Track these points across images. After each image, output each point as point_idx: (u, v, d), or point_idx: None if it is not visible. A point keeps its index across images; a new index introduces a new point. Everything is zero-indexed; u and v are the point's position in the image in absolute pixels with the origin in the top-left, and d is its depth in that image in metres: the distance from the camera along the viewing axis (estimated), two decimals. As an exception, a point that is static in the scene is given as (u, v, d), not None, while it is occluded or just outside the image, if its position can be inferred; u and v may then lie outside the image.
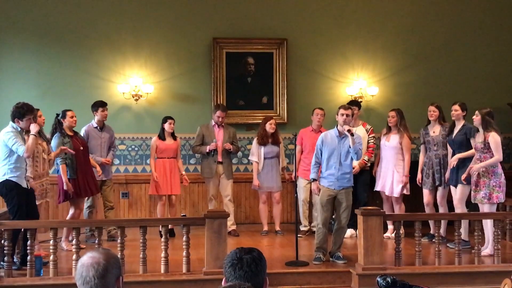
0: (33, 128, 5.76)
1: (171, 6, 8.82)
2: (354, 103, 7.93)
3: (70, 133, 6.93)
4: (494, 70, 9.25)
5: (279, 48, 8.91)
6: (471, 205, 6.94)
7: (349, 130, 6.03)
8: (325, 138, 6.25)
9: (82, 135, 7.30)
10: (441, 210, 7.15)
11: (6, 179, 5.75)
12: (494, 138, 6.27)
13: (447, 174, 6.99)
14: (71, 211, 6.89)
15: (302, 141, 7.75)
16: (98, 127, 7.48)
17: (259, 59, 8.93)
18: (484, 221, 6.33)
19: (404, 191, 7.46)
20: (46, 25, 8.60)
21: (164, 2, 8.82)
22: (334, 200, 6.19)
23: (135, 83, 8.57)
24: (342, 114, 6.18)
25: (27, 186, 5.88)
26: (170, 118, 7.69)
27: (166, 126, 7.64)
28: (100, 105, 7.48)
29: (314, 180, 6.31)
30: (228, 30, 8.87)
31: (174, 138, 7.75)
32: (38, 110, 6.56)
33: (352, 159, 6.22)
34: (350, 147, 6.06)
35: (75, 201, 6.86)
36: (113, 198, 7.72)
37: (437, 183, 7.15)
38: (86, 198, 7.34)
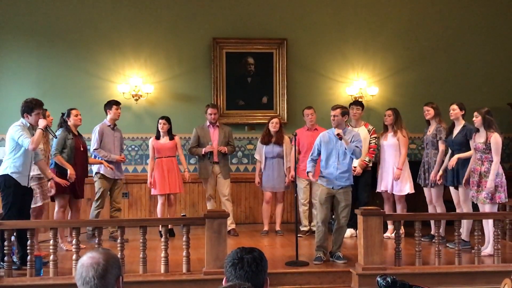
0: (41, 123, 5.78)
1: (171, 6, 8.82)
2: (358, 103, 7.93)
3: (75, 133, 6.94)
4: (494, 70, 9.25)
5: (279, 48, 8.91)
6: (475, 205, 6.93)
7: (338, 134, 6.06)
8: (323, 138, 6.29)
9: (95, 133, 7.33)
10: (438, 210, 7.15)
11: (7, 174, 5.74)
12: (496, 140, 6.27)
13: (432, 174, 7.07)
14: (56, 210, 6.85)
15: (299, 141, 7.73)
16: (111, 126, 7.49)
17: (259, 59, 8.93)
18: (485, 221, 6.33)
19: (408, 189, 7.46)
20: (46, 25, 8.61)
21: (164, 2, 8.83)
22: (333, 199, 6.21)
23: (135, 83, 8.57)
24: (332, 115, 6.23)
25: (28, 184, 5.87)
26: (162, 118, 7.68)
27: (159, 126, 7.65)
28: (114, 103, 7.51)
29: (310, 172, 6.29)
30: (228, 30, 8.87)
31: (171, 137, 7.74)
32: (46, 110, 6.58)
33: (350, 159, 6.23)
34: (345, 148, 6.10)
35: (61, 198, 6.77)
36: (121, 200, 7.71)
37: (426, 181, 7.19)
38: (96, 197, 7.32)
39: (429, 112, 7.26)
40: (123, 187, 7.84)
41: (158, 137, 7.67)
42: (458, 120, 6.90)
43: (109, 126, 7.48)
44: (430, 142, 7.23)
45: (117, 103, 7.54)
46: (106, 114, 7.51)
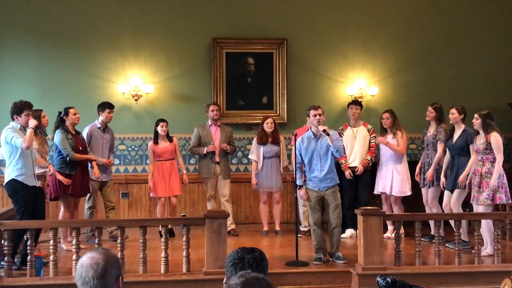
0: (31, 122, 5.77)
1: (171, 6, 8.82)
2: (357, 102, 7.93)
3: (72, 132, 6.92)
4: (494, 70, 9.24)
5: (279, 48, 8.91)
6: (470, 206, 6.93)
7: (324, 130, 6.05)
8: (302, 142, 6.26)
9: (84, 135, 7.29)
10: (433, 211, 7.15)
11: (13, 179, 5.74)
12: (496, 138, 6.25)
13: (429, 173, 7.09)
14: (61, 211, 6.86)
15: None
16: (102, 128, 7.46)
17: (259, 59, 8.92)
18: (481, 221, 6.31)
19: (408, 191, 7.46)
20: (46, 25, 8.61)
21: (164, 3, 8.82)
22: (323, 200, 6.21)
23: (135, 83, 8.56)
24: (315, 115, 6.19)
25: (36, 184, 5.87)
26: (162, 120, 7.65)
27: (159, 129, 7.61)
28: (107, 106, 7.45)
29: (301, 186, 6.28)
30: (228, 30, 8.87)
31: (170, 139, 7.73)
32: (41, 110, 6.57)
33: (332, 158, 6.22)
34: (330, 146, 6.07)
35: (66, 199, 6.78)
36: (114, 199, 7.71)
37: (425, 182, 7.19)
38: (87, 198, 7.33)
39: (431, 114, 7.24)
40: (113, 186, 7.78)
41: (156, 141, 7.64)
42: (457, 124, 6.88)
43: (99, 128, 7.44)
44: (430, 143, 7.22)
45: (110, 106, 7.47)
46: (99, 115, 7.49)
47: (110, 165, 7.53)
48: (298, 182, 6.29)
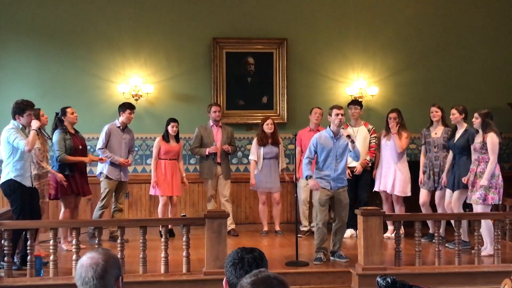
0: (34, 123, 5.76)
1: (171, 6, 8.82)
2: (356, 102, 7.93)
3: (71, 131, 6.93)
4: (494, 70, 9.24)
5: (279, 48, 8.91)
6: (470, 207, 6.92)
7: (348, 136, 6.06)
8: (319, 139, 6.24)
9: (103, 133, 7.30)
10: (439, 211, 7.14)
11: (11, 179, 5.73)
12: (492, 139, 6.27)
13: (444, 176, 7.00)
14: (62, 210, 6.86)
15: (301, 142, 7.74)
16: (121, 128, 7.45)
17: (259, 59, 8.92)
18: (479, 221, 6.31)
19: (408, 191, 7.43)
20: (46, 25, 8.60)
21: (164, 2, 8.82)
22: (331, 199, 6.23)
23: (135, 83, 8.56)
24: (337, 114, 6.18)
25: (32, 184, 5.87)
26: (174, 121, 7.63)
27: (169, 128, 7.60)
28: (128, 107, 7.45)
29: (310, 176, 6.21)
30: (228, 30, 8.87)
31: (178, 140, 7.72)
32: (39, 109, 6.57)
33: (346, 159, 6.27)
34: (350, 151, 6.13)
35: (66, 199, 6.79)
36: (124, 201, 7.69)
37: (436, 185, 7.15)
38: (101, 198, 7.32)
39: (437, 113, 7.19)
40: (127, 188, 7.81)
41: (166, 139, 7.63)
42: (459, 123, 6.87)
43: (118, 127, 7.44)
44: (441, 144, 7.15)
45: (131, 107, 7.47)
46: (119, 115, 7.48)
47: (128, 165, 7.51)
48: (308, 173, 6.19)
